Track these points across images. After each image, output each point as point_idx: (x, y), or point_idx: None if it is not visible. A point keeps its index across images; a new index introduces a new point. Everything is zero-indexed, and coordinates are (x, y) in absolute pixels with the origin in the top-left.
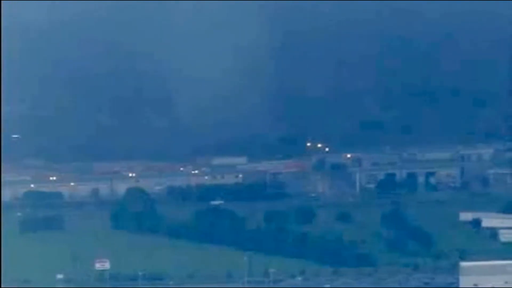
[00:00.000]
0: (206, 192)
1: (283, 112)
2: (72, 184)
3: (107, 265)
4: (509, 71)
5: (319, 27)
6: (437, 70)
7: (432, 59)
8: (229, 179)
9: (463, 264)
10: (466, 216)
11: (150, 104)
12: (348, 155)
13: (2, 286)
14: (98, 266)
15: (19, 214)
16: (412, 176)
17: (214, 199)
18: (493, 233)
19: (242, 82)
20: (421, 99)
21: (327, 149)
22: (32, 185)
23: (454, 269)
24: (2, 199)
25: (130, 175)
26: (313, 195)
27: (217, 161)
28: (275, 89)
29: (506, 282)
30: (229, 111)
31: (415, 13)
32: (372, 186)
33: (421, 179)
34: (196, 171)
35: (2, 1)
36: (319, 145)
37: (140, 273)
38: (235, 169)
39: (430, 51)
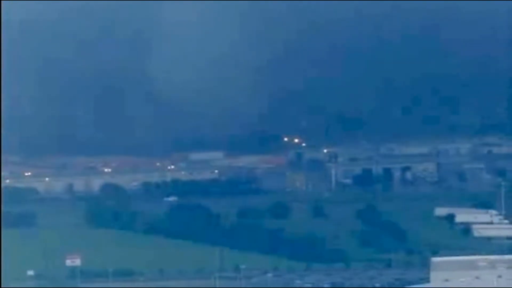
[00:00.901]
0: (181, 188)
1: (261, 107)
2: (47, 179)
3: (77, 262)
4: (489, 66)
5: (299, 22)
6: (417, 65)
7: (410, 53)
8: (205, 175)
9: (434, 259)
10: (441, 211)
11: (128, 99)
12: (325, 150)
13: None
14: (68, 262)
15: None
16: (388, 171)
17: (190, 195)
18: (467, 228)
19: (219, 77)
20: (400, 93)
21: (303, 144)
22: (7, 181)
23: (426, 265)
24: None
25: (106, 170)
26: (288, 190)
27: (194, 156)
28: (253, 84)
29: (476, 277)
30: (206, 107)
31: (390, 10)
32: (348, 181)
33: (397, 174)
34: (173, 167)
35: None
36: (296, 140)
37: (110, 270)
38: (212, 164)
39: (408, 46)
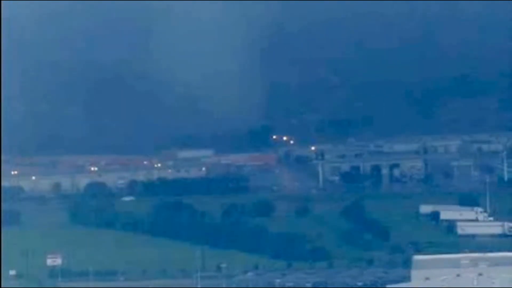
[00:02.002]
0: (168, 186)
1: (251, 105)
2: (33, 178)
3: (58, 261)
4: (479, 63)
5: (289, 23)
6: (406, 62)
7: (400, 52)
8: (192, 173)
9: (416, 257)
10: (426, 208)
11: (117, 98)
12: (314, 148)
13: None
14: (49, 262)
15: None
16: (376, 169)
17: (176, 193)
18: (451, 225)
19: (209, 75)
20: (390, 91)
21: (292, 142)
22: None
23: (408, 263)
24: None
25: (93, 169)
26: (275, 188)
27: (183, 154)
28: (243, 82)
29: (458, 275)
30: (196, 104)
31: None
32: (335, 178)
33: (385, 172)
34: (160, 165)
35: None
36: (285, 138)
37: (92, 269)
38: (200, 162)
39: (397, 45)
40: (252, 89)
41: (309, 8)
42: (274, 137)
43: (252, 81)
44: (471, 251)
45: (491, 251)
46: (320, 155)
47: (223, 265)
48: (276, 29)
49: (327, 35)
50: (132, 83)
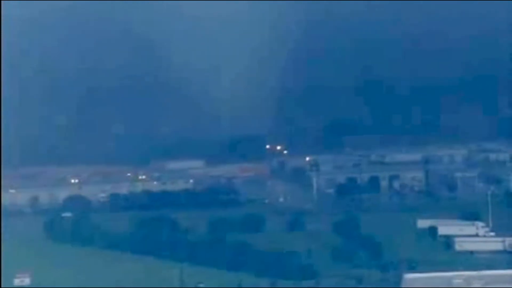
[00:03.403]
0: (152, 200)
1: (244, 112)
2: (11, 191)
3: (27, 281)
4: (483, 71)
5: (284, 27)
6: (410, 67)
7: (404, 56)
8: (179, 185)
9: (407, 275)
10: (423, 223)
11: (103, 105)
12: (309, 158)
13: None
14: (16, 282)
15: None
16: (374, 180)
17: (159, 207)
18: (449, 241)
19: (198, 82)
20: (395, 97)
21: (285, 152)
22: None
23: (400, 281)
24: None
25: (73, 181)
26: (266, 201)
27: (171, 165)
28: (236, 88)
29: None
30: (186, 113)
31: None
32: (331, 191)
33: (384, 183)
34: (144, 177)
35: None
36: (279, 147)
37: None
38: (188, 173)
39: (400, 49)
40: (244, 95)
41: (303, 9)
42: (268, 146)
43: (244, 87)
44: (466, 269)
45: (488, 269)
46: (315, 165)
47: (201, 285)
48: (271, 33)
49: (325, 37)
50: (118, 90)
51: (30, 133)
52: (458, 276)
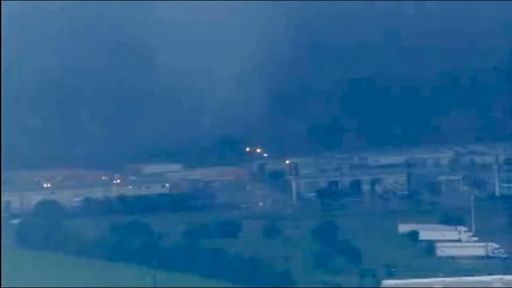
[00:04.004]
0: (126, 204)
1: (223, 114)
2: None
3: None
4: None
5: (267, 30)
6: (392, 70)
7: (386, 59)
8: (155, 189)
9: (385, 282)
10: (405, 228)
11: (80, 109)
12: (289, 162)
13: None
14: None
15: None
16: (356, 184)
17: (133, 212)
18: (430, 246)
19: (177, 85)
20: (379, 98)
21: (266, 155)
22: None
23: None
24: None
25: (46, 185)
26: (244, 206)
27: (148, 168)
28: (216, 89)
29: None
30: (165, 115)
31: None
32: (311, 195)
33: (366, 187)
34: (119, 181)
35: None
36: (259, 150)
37: None
38: (165, 177)
39: (382, 52)
40: (224, 98)
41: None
42: (248, 149)
43: (224, 90)
44: (447, 275)
45: (470, 274)
46: (295, 169)
47: None
48: (252, 35)
49: (308, 40)
50: (95, 92)
51: (1, 136)
52: (437, 282)
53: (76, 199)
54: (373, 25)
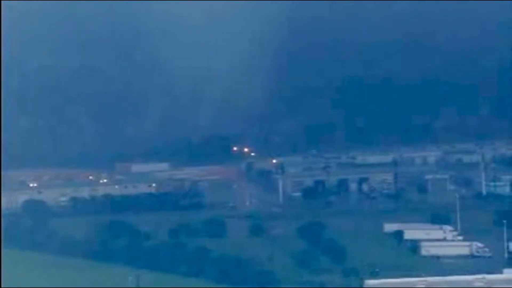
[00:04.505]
0: (113, 204)
1: (211, 113)
2: None
3: None
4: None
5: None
6: (380, 69)
7: (374, 58)
8: (141, 189)
9: (368, 281)
10: (390, 227)
11: (67, 108)
12: (276, 161)
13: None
14: None
15: None
16: (343, 183)
17: (119, 212)
18: (415, 246)
19: (164, 84)
20: (369, 97)
21: (254, 154)
22: None
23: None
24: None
25: (32, 185)
26: (230, 205)
27: (136, 168)
28: (204, 88)
29: None
30: (153, 114)
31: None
32: (297, 194)
33: (352, 186)
34: (106, 180)
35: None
36: (246, 149)
37: None
38: (152, 176)
39: (371, 51)
40: (213, 96)
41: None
42: (235, 148)
43: (212, 89)
44: (431, 274)
45: (454, 273)
46: (282, 168)
47: None
48: (241, 34)
49: (299, 39)
50: (83, 92)
51: None
52: (420, 282)
53: (63, 199)
54: (362, 24)
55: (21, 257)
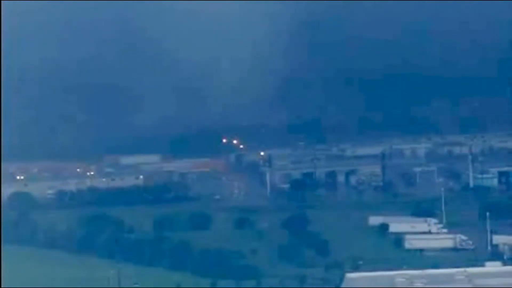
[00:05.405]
0: (99, 197)
1: (201, 104)
2: None
3: None
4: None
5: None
6: (369, 61)
7: (364, 50)
8: (128, 181)
9: (348, 275)
10: (375, 220)
11: (55, 99)
12: (265, 153)
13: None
14: None
15: None
16: (331, 176)
17: (105, 205)
18: (399, 239)
19: (152, 75)
20: (360, 89)
21: (242, 146)
22: None
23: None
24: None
25: (19, 177)
26: (217, 197)
27: (125, 160)
28: (193, 79)
29: None
30: (142, 105)
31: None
32: (285, 187)
33: (340, 179)
34: (93, 173)
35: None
36: (235, 142)
37: None
38: (139, 169)
39: (361, 44)
40: (202, 88)
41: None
42: (224, 140)
43: (201, 80)
44: (414, 268)
45: (436, 267)
46: (270, 160)
47: (137, 285)
48: (233, 28)
49: (292, 34)
50: (72, 83)
51: None
52: (401, 275)
53: (49, 191)
54: (353, 19)
55: (6, 250)
